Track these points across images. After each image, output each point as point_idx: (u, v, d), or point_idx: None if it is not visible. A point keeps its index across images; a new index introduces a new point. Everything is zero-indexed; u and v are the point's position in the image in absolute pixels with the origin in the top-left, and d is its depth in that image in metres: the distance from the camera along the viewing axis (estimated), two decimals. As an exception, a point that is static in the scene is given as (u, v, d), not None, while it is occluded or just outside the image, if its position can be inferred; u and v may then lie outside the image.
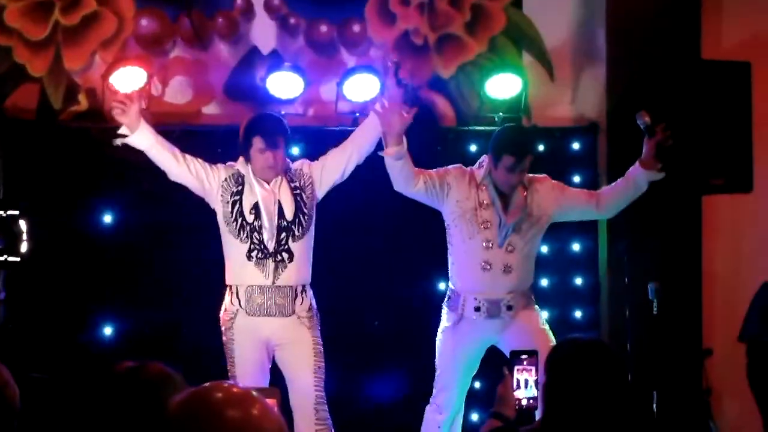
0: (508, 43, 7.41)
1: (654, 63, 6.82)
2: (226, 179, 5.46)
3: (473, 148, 6.91)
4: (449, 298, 5.68)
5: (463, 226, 5.55)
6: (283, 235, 5.41)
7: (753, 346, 6.44)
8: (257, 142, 5.38)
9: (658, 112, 5.76)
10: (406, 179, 5.43)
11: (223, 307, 5.52)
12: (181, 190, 5.66)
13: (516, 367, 3.57)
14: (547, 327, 5.65)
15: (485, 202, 5.54)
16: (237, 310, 5.44)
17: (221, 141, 6.54)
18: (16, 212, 5.94)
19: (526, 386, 3.56)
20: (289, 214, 5.43)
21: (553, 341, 5.42)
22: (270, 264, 5.39)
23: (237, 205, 5.42)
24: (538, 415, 3.48)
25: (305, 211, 5.47)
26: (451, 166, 5.68)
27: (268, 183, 5.44)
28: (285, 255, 5.40)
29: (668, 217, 7.03)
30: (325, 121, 7.05)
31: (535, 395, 3.53)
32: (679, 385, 6.75)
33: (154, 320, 6.77)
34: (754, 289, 6.52)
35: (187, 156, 5.46)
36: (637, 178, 5.56)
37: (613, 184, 5.77)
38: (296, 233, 5.43)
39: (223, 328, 5.50)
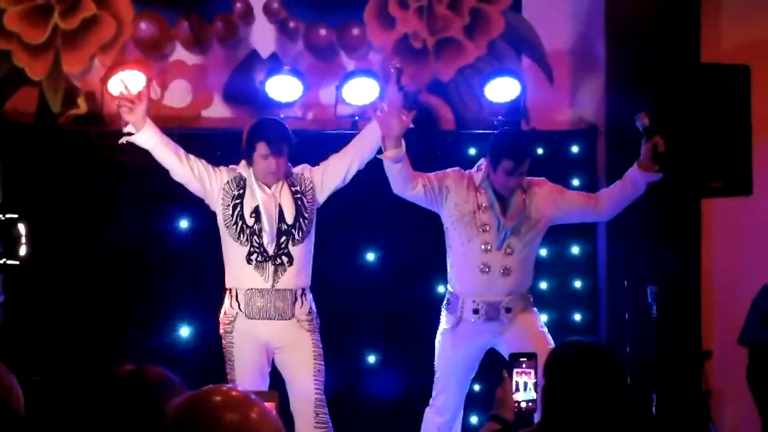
0: (506, 47, 7.42)
1: (653, 66, 6.82)
2: (228, 182, 5.46)
3: (472, 151, 6.92)
4: (448, 300, 5.68)
5: (462, 229, 5.56)
6: (284, 238, 5.41)
7: (753, 349, 6.44)
8: (261, 148, 5.37)
9: (657, 115, 5.76)
10: (405, 182, 5.43)
11: (222, 311, 5.51)
12: (181, 192, 5.66)
13: (515, 370, 3.57)
14: (545, 330, 5.65)
15: (484, 205, 5.54)
16: (236, 313, 5.43)
17: (220, 144, 6.54)
18: (15, 215, 5.94)
19: (525, 389, 3.56)
20: (289, 218, 5.43)
21: (551, 344, 5.42)
22: (270, 267, 5.39)
23: (237, 209, 5.42)
24: (537, 417, 3.48)
25: (306, 215, 5.47)
26: (450, 169, 5.68)
27: (270, 187, 5.44)
28: (285, 258, 5.40)
29: (667, 220, 7.03)
30: (324, 124, 7.05)
31: (534, 398, 3.53)
32: (678, 388, 6.75)
33: (153, 323, 6.77)
34: (753, 291, 6.53)
35: (191, 156, 5.46)
36: (635, 180, 5.56)
37: (612, 186, 5.77)
38: (296, 237, 5.43)
39: (222, 332, 5.49)
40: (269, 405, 3.17)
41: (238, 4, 7.26)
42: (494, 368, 4.49)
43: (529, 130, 7.10)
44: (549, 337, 5.59)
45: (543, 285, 7.02)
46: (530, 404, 3.55)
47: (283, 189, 5.46)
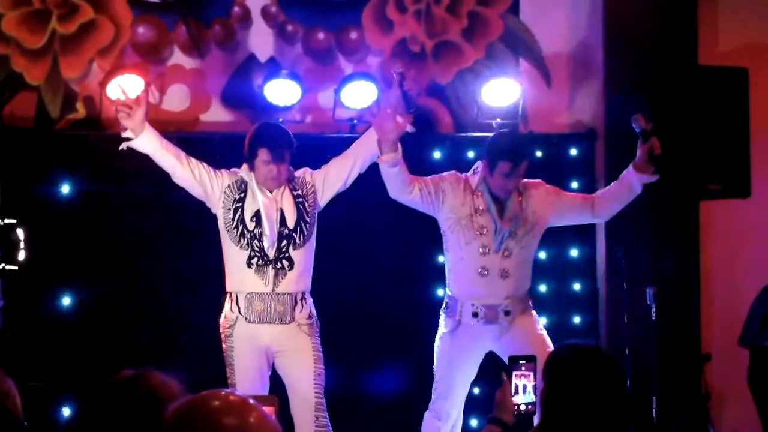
0: (505, 50, 7.42)
1: (651, 69, 6.82)
2: (229, 186, 5.46)
3: (471, 154, 6.92)
4: (447, 304, 5.68)
5: (460, 232, 5.55)
6: (284, 242, 5.40)
7: (755, 351, 6.44)
8: (263, 154, 5.37)
9: (656, 118, 5.76)
10: (401, 186, 5.43)
11: (222, 315, 5.51)
12: (181, 196, 5.66)
13: (514, 373, 3.57)
14: (545, 332, 5.65)
15: (481, 208, 5.54)
16: (237, 317, 5.43)
17: (219, 148, 6.56)
18: (14, 220, 5.93)
19: (524, 392, 3.56)
20: (291, 222, 5.43)
21: (551, 347, 5.42)
22: (270, 271, 5.39)
23: (238, 212, 5.42)
24: (536, 420, 3.47)
25: (307, 219, 5.47)
26: (446, 173, 5.68)
27: (271, 191, 5.44)
28: (285, 263, 5.40)
29: (666, 222, 7.04)
30: (323, 128, 7.06)
31: (534, 401, 3.53)
32: (678, 391, 6.75)
33: (154, 328, 6.77)
34: (752, 293, 6.52)
35: (192, 159, 5.45)
36: (631, 181, 5.56)
37: (608, 187, 5.77)
38: (297, 241, 5.42)
39: (222, 336, 5.49)
40: (269, 409, 3.17)
41: (236, 8, 7.27)
42: (494, 371, 4.49)
43: (527, 133, 7.11)
44: (548, 339, 5.59)
45: (542, 288, 7.02)
46: (530, 407, 3.55)
47: (284, 193, 5.46)
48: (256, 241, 5.38)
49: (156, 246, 6.83)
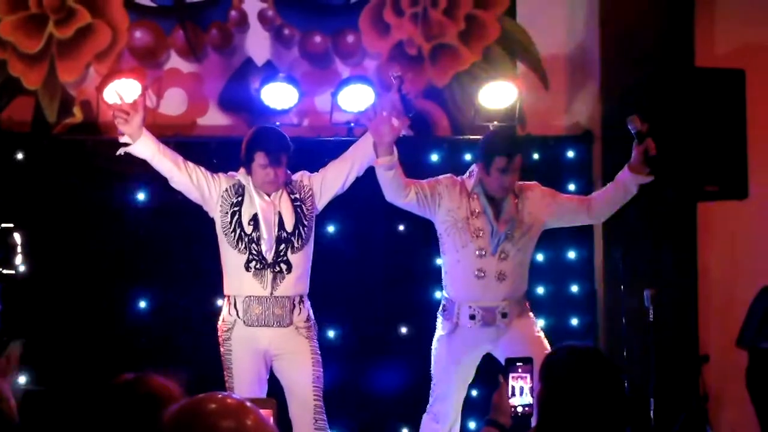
0: (502, 53, 7.43)
1: (648, 71, 6.83)
2: (226, 189, 5.46)
3: (468, 157, 6.91)
4: (444, 307, 5.68)
5: (456, 235, 5.55)
6: (283, 246, 5.41)
7: (753, 353, 6.44)
8: (259, 158, 5.37)
9: (653, 120, 5.76)
10: (397, 189, 5.43)
11: (220, 318, 5.51)
12: (178, 200, 5.66)
13: (511, 375, 3.57)
14: (542, 334, 5.65)
15: (477, 210, 5.54)
16: (235, 320, 5.43)
17: (216, 152, 6.56)
18: (11, 225, 5.94)
19: (521, 394, 3.56)
20: (289, 225, 5.43)
21: (548, 349, 5.41)
22: (268, 275, 5.39)
23: (236, 216, 5.42)
24: (534, 422, 3.48)
25: (305, 222, 5.47)
26: (442, 176, 5.67)
27: (269, 195, 5.45)
28: (283, 266, 5.40)
29: (663, 224, 7.04)
30: (320, 131, 7.06)
31: (531, 402, 3.53)
32: (676, 392, 6.75)
33: (151, 331, 6.77)
34: (750, 294, 6.53)
35: (190, 164, 5.46)
36: (626, 183, 5.56)
37: (604, 189, 5.77)
38: (296, 245, 5.43)
39: (220, 339, 5.49)
40: (267, 412, 3.17)
41: (233, 12, 7.27)
42: (492, 373, 4.49)
43: (525, 135, 7.12)
44: (545, 341, 5.59)
45: (540, 290, 7.02)
46: (526, 409, 3.55)
47: (282, 197, 5.46)
48: (254, 245, 5.39)
49: (154, 250, 6.82)
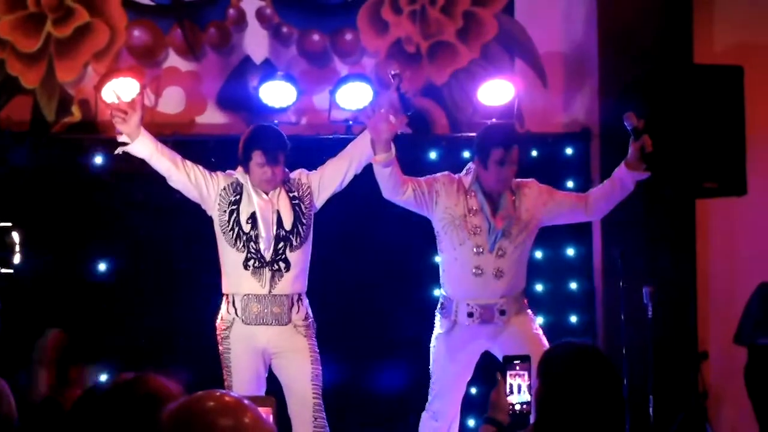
0: (500, 50, 7.43)
1: (646, 68, 6.83)
2: (224, 188, 5.46)
3: (466, 155, 6.92)
4: (442, 304, 5.68)
5: (453, 232, 5.55)
6: (281, 244, 5.41)
7: (752, 350, 6.44)
8: (257, 157, 5.38)
9: (651, 116, 5.77)
10: (395, 187, 5.43)
11: (219, 316, 5.52)
12: (176, 199, 5.66)
13: (509, 372, 3.57)
14: (540, 332, 5.64)
15: (474, 208, 5.54)
16: (233, 319, 5.43)
17: (214, 150, 6.57)
18: (9, 224, 5.94)
19: (519, 391, 3.56)
20: (287, 223, 5.43)
21: (546, 346, 5.41)
22: (266, 273, 5.39)
23: (234, 214, 5.42)
24: (532, 419, 3.48)
25: (303, 221, 5.47)
26: (439, 174, 5.67)
27: (267, 193, 5.45)
28: (282, 264, 5.40)
29: (662, 220, 7.05)
30: (319, 129, 7.07)
31: (529, 400, 3.53)
32: (675, 389, 6.75)
33: (150, 330, 6.77)
34: (748, 291, 6.53)
35: (188, 162, 5.46)
36: (623, 179, 5.57)
37: (600, 185, 5.77)
38: (294, 243, 5.43)
39: (219, 338, 5.49)
40: (266, 410, 3.17)
41: (231, 11, 7.27)
42: (491, 371, 4.49)
43: (523, 132, 7.12)
44: (543, 339, 5.59)
45: (539, 287, 7.03)
46: (524, 407, 3.55)
47: (280, 195, 5.46)
48: (252, 243, 5.39)
49: (152, 248, 6.83)
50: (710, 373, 7.01)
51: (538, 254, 6.92)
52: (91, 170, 6.78)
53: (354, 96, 6.63)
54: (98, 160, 6.74)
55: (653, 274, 6.66)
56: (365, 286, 6.93)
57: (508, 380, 3.56)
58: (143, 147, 5.37)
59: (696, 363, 6.87)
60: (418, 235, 6.18)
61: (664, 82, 6.67)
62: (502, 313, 5.56)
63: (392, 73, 5.49)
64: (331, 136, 6.87)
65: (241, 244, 5.39)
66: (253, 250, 5.38)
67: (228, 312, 5.45)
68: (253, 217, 5.41)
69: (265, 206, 5.41)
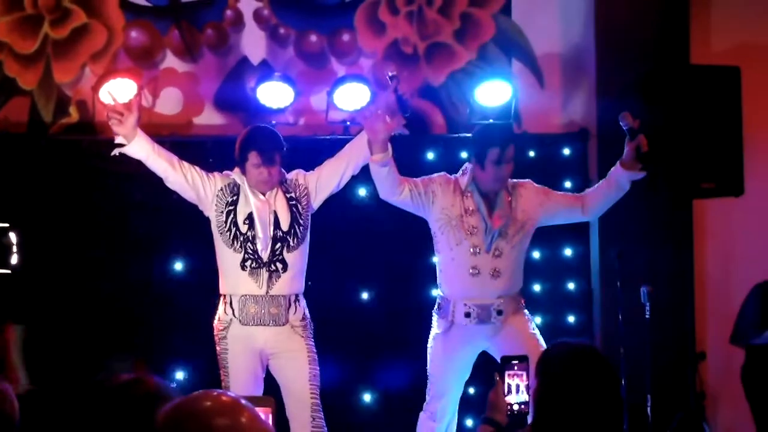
0: (497, 51, 7.43)
1: (643, 68, 6.83)
2: (221, 189, 5.46)
3: (464, 155, 6.92)
4: (439, 305, 5.68)
5: (450, 233, 5.55)
6: (278, 245, 5.40)
7: (750, 350, 6.45)
8: (253, 157, 5.37)
9: (648, 117, 5.77)
10: (392, 187, 5.43)
11: (216, 317, 5.51)
12: (174, 200, 5.66)
13: (507, 373, 3.57)
14: (537, 332, 5.65)
15: (470, 208, 5.55)
16: (231, 319, 5.43)
17: (212, 151, 6.57)
18: (7, 224, 5.95)
19: (517, 392, 3.56)
20: (285, 224, 5.43)
21: (543, 346, 5.42)
22: (264, 274, 5.39)
23: (231, 215, 5.42)
24: (530, 419, 3.48)
25: (301, 221, 5.47)
26: (436, 174, 5.67)
27: (263, 194, 5.45)
28: (279, 265, 5.40)
29: (660, 221, 7.05)
30: (316, 130, 7.07)
31: (527, 400, 3.53)
32: (672, 389, 6.76)
33: (147, 330, 6.77)
34: (746, 291, 6.53)
35: (185, 163, 5.46)
36: (619, 179, 5.57)
37: (596, 185, 5.77)
38: (291, 244, 5.43)
39: (216, 338, 5.49)
40: (265, 410, 3.17)
41: (229, 12, 7.27)
42: (488, 371, 4.49)
43: (521, 133, 7.12)
44: (541, 339, 5.59)
45: (536, 287, 7.03)
46: (523, 407, 3.55)
47: (277, 196, 5.46)
48: (249, 244, 5.39)
49: (149, 249, 6.83)
50: (708, 373, 7.02)
51: (536, 254, 6.93)
52: (89, 171, 6.78)
53: (351, 97, 6.64)
54: (95, 161, 6.74)
55: (651, 274, 6.66)
56: (363, 286, 6.93)
57: (506, 380, 3.56)
58: (140, 148, 5.37)
59: (694, 363, 6.88)
60: (416, 235, 6.18)
61: (661, 83, 6.67)
62: (499, 313, 5.56)
63: (389, 74, 5.49)
64: (328, 137, 6.87)
65: (239, 244, 5.39)
66: (250, 251, 5.38)
67: (225, 312, 5.45)
68: (250, 218, 5.40)
69: (262, 207, 5.41)
